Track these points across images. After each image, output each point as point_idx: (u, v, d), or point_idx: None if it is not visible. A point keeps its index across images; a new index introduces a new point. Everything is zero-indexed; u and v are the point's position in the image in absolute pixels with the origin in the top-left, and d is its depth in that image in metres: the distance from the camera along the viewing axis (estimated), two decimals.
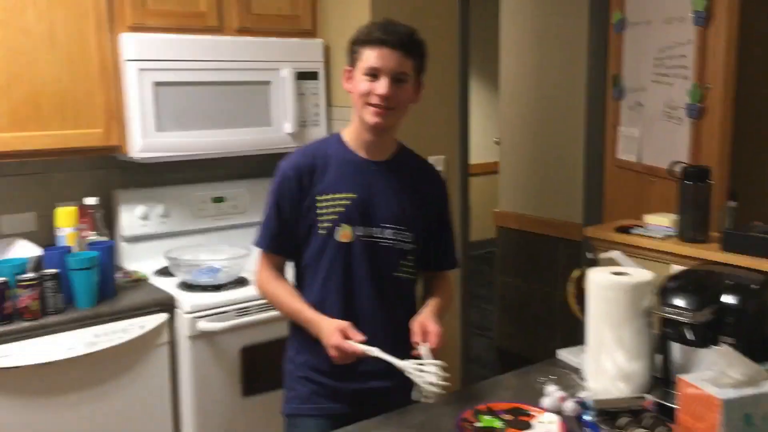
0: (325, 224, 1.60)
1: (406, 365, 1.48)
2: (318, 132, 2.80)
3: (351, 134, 1.66)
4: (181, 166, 2.77)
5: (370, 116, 1.57)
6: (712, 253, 1.86)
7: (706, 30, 2.45)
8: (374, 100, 1.55)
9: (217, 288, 2.40)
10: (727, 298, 1.42)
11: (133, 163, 2.53)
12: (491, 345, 4.47)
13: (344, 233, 1.60)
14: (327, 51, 2.80)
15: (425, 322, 1.59)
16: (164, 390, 2.29)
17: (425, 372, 1.45)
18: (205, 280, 2.40)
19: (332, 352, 1.51)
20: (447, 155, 2.92)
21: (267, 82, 2.66)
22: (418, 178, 1.72)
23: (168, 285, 2.42)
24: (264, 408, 2.37)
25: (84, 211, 2.43)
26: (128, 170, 2.71)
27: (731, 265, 1.72)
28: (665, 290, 1.47)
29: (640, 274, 1.52)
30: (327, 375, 1.64)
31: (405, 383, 1.55)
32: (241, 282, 2.46)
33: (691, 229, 2.00)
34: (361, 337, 1.51)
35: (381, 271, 1.63)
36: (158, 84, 2.41)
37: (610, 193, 3.15)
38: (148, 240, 2.67)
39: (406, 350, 1.55)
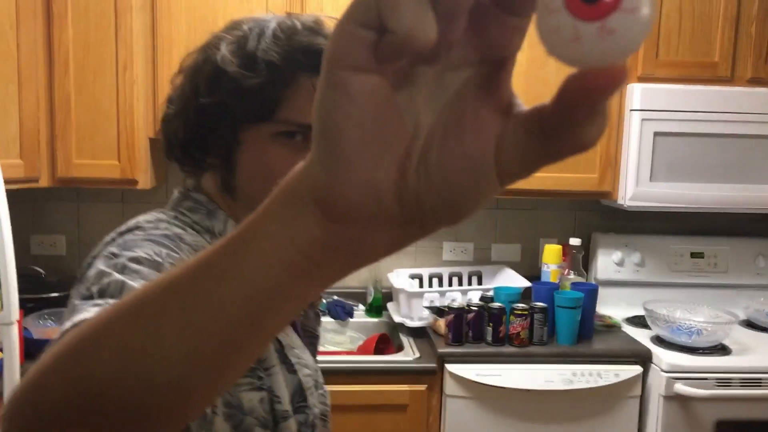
0: None
1: None
2: None
3: None
4: (660, 216, 2.71)
5: None
6: None
7: None
8: None
9: (692, 350, 2.27)
10: None
11: (612, 208, 2.57)
12: None
13: None
14: None
15: None
16: None
17: None
18: (683, 339, 2.29)
19: None
20: None
21: None
22: None
23: (641, 336, 2.38)
24: None
25: (566, 250, 2.55)
26: (607, 215, 2.76)
27: None
28: None
29: None
30: None
31: None
32: (722, 349, 2.28)
33: None
34: None
35: None
36: (658, 134, 2.39)
37: None
38: (620, 286, 2.67)
39: None
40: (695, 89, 2.40)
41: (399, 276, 2.62)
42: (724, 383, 2.16)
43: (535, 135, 0.30)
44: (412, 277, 2.67)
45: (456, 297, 2.43)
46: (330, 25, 0.83)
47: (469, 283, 2.69)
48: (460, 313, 2.23)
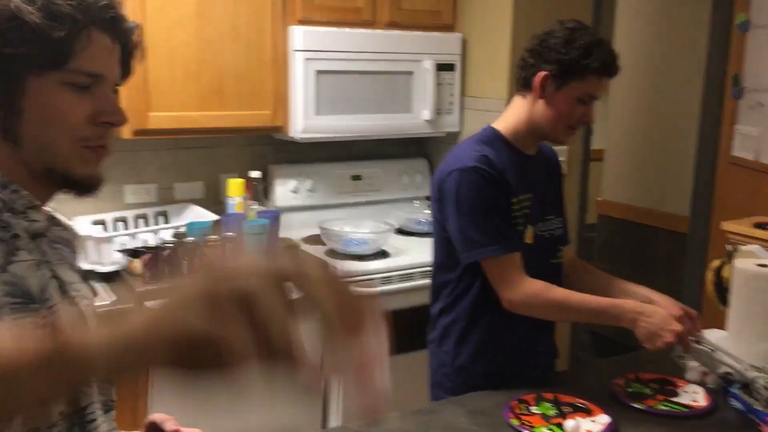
0: (517, 227, 1.64)
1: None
2: (451, 120, 3.03)
3: (515, 133, 1.66)
4: (325, 145, 3.05)
5: (565, 137, 1.65)
6: None
7: None
8: (579, 126, 1.62)
9: (361, 257, 2.68)
10: None
11: (284, 141, 2.83)
12: (585, 328, 4.63)
13: (529, 234, 1.66)
14: (464, 44, 3.02)
15: (686, 309, 1.57)
16: None
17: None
18: (354, 250, 2.68)
19: (670, 339, 1.49)
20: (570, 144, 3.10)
21: (410, 72, 2.90)
22: (551, 163, 1.83)
23: (319, 252, 2.71)
24: (403, 366, 2.64)
25: (248, 183, 2.75)
26: (280, 147, 3.01)
27: None
28: None
29: None
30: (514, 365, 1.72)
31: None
32: (383, 254, 2.73)
33: None
34: None
35: (551, 263, 1.74)
36: (320, 72, 2.69)
37: (721, 189, 3.28)
38: (297, 211, 2.97)
39: None
40: (346, 32, 2.73)
41: (80, 223, 2.54)
42: (388, 280, 2.62)
43: None
44: (95, 223, 2.61)
45: (147, 237, 2.47)
46: None
47: (156, 224, 2.72)
48: (156, 251, 2.29)
